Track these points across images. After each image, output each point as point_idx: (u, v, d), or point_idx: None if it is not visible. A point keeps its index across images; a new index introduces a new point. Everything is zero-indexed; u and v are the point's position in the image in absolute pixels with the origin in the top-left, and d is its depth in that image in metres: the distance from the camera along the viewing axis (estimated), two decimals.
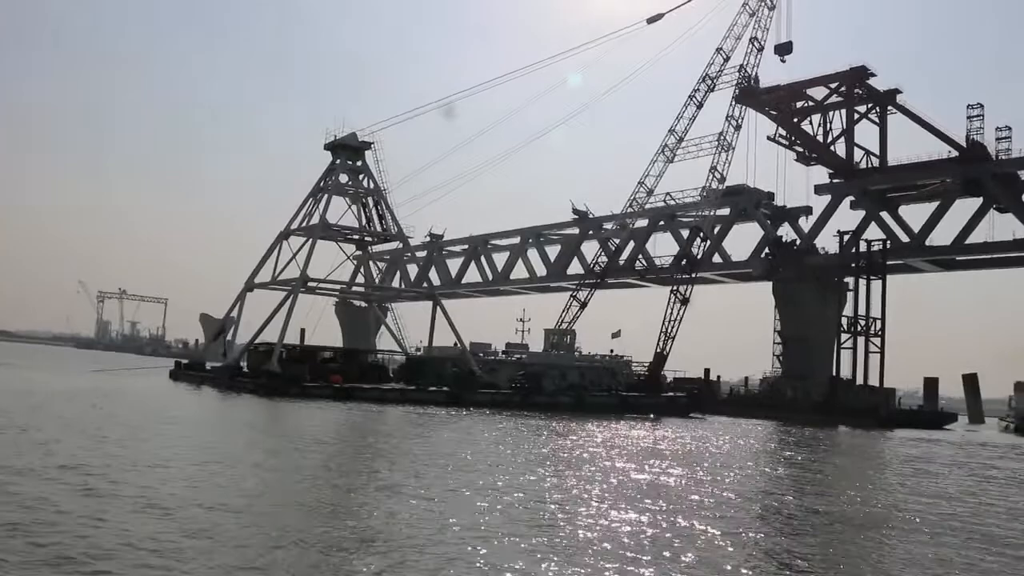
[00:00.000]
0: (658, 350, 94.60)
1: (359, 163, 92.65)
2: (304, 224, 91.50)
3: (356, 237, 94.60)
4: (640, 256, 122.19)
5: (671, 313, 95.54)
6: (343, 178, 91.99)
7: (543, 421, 62.24)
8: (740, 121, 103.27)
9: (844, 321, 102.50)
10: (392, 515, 20.78)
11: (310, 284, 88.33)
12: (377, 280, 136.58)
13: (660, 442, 51.72)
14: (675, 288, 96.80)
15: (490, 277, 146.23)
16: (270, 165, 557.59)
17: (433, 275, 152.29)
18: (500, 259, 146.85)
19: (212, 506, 20.30)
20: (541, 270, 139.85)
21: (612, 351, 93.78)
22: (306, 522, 19.32)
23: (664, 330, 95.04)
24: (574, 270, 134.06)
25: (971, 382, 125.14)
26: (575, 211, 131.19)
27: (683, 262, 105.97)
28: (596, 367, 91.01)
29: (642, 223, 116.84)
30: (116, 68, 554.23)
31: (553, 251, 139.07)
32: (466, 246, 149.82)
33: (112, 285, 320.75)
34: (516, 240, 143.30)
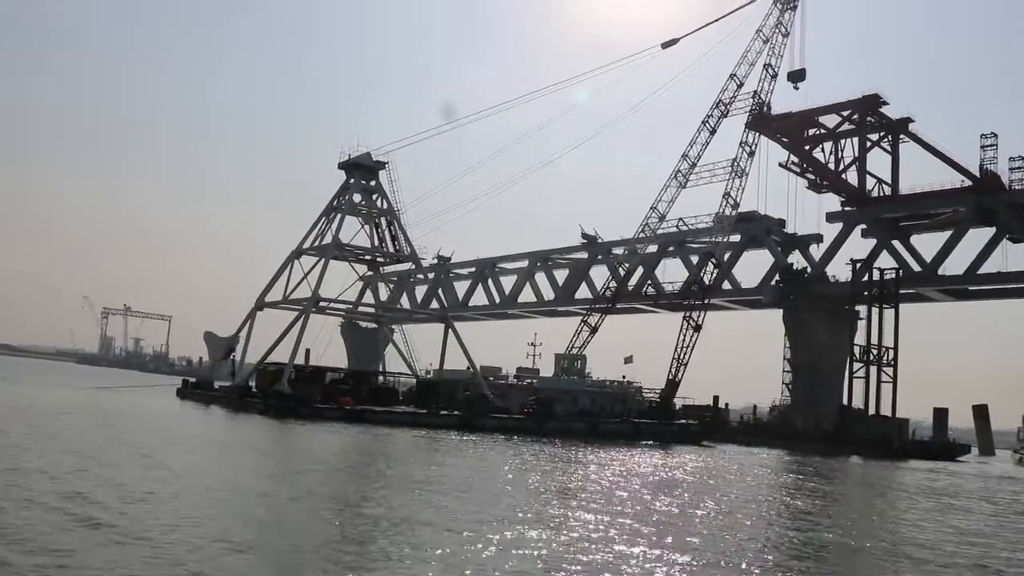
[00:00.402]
0: (670, 377, 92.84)
1: (373, 182, 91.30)
2: (316, 243, 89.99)
3: (368, 257, 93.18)
4: (649, 282, 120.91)
5: (683, 339, 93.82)
6: (356, 197, 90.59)
7: (559, 449, 60.47)
8: (754, 147, 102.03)
9: (857, 350, 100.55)
10: (417, 547, 19.63)
11: (321, 304, 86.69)
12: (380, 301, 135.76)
13: (678, 471, 50.36)
14: (687, 314, 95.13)
15: (497, 300, 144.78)
16: (277, 185, 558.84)
17: (440, 297, 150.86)
18: (507, 283, 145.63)
19: (221, 539, 18.77)
20: (549, 294, 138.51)
21: (624, 377, 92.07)
22: (324, 561, 17.71)
23: (676, 356, 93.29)
24: (582, 294, 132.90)
25: (981, 413, 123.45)
26: (584, 235, 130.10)
27: (694, 287, 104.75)
28: (607, 393, 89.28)
29: (652, 248, 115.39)
30: (123, 85, 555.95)
31: (561, 275, 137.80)
32: (473, 269, 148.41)
33: (116, 301, 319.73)
34: (524, 264, 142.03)
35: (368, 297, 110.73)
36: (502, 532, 22.38)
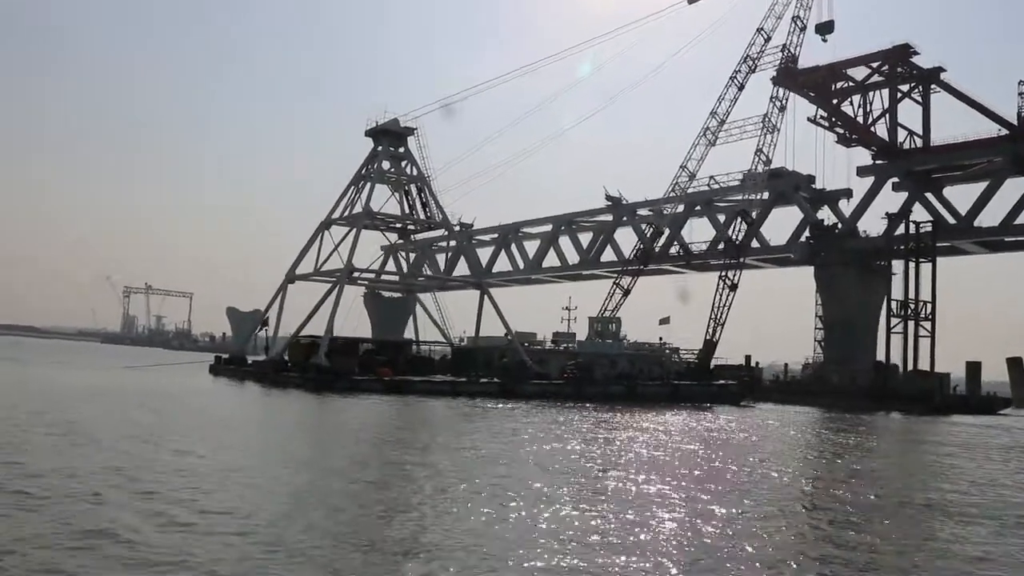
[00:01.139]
0: (707, 337, 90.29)
1: (402, 149, 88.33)
2: (346, 213, 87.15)
3: (399, 225, 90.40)
4: (675, 242, 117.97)
5: (720, 299, 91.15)
6: (385, 165, 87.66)
7: (606, 413, 58.37)
8: (784, 102, 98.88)
9: (895, 305, 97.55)
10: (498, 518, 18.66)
11: (354, 275, 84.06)
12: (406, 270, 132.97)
13: (732, 433, 48.79)
14: (723, 274, 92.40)
15: (521, 266, 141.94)
16: (294, 159, 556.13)
17: (462, 264, 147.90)
18: (531, 248, 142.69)
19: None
20: (573, 258, 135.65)
21: (661, 339, 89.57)
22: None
23: (713, 316, 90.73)
24: (607, 257, 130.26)
25: (1016, 365, 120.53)
26: (608, 197, 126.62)
27: (721, 246, 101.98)
28: (645, 355, 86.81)
29: (680, 208, 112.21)
30: (135, 64, 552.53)
31: (585, 238, 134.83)
32: (496, 235, 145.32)
33: (136, 280, 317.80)
34: (548, 228, 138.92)
35: (391, 266, 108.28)
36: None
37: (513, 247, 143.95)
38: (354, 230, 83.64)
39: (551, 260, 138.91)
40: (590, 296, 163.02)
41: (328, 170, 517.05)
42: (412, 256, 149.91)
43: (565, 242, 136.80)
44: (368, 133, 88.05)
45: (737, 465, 31.59)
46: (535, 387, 74.35)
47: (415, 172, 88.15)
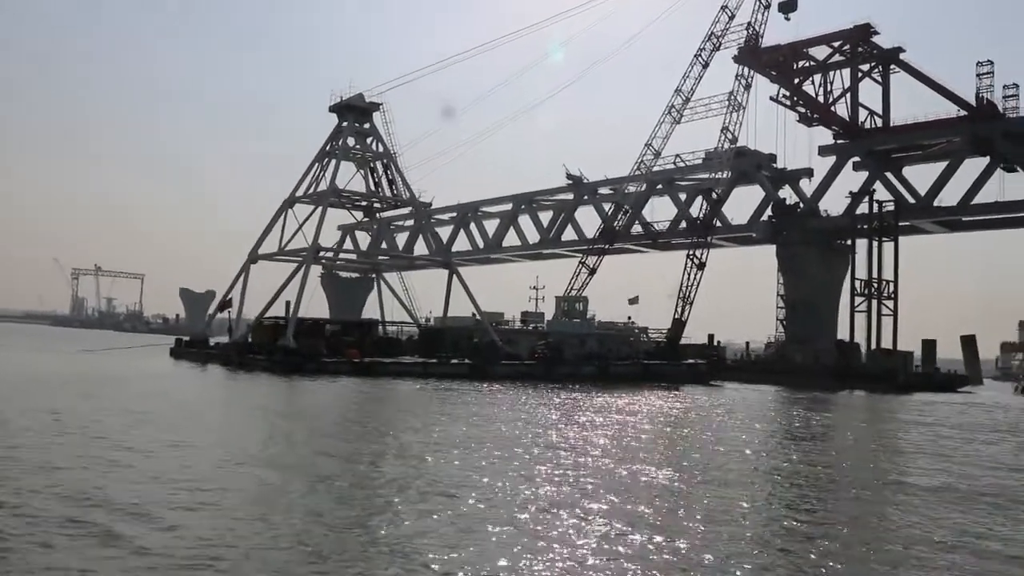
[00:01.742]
0: (676, 316, 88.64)
1: (367, 125, 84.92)
2: (310, 190, 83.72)
3: (365, 203, 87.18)
4: (637, 221, 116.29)
5: (688, 278, 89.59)
6: (350, 141, 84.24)
7: (581, 394, 56.68)
8: (750, 80, 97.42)
9: (858, 284, 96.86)
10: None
11: (321, 254, 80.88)
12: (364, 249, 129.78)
13: (710, 413, 48.66)
14: (691, 252, 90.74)
15: (481, 245, 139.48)
16: (248, 135, 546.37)
17: (421, 244, 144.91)
18: (491, 227, 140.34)
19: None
20: (534, 237, 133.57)
21: (629, 318, 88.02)
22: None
23: (681, 295, 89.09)
24: (568, 236, 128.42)
25: (970, 344, 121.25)
26: (569, 176, 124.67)
27: (683, 225, 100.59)
28: (613, 335, 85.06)
29: (643, 187, 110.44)
30: (84, 39, 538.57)
31: (546, 217, 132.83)
32: (455, 214, 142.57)
33: (85, 262, 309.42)
34: (508, 207, 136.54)
35: (349, 245, 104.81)
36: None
37: (472, 226, 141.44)
38: (319, 208, 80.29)
39: (511, 239, 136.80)
40: (553, 275, 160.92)
41: (285, 146, 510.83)
42: (371, 235, 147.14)
43: (525, 221, 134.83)
44: (332, 108, 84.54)
45: (735, 452, 29.88)
46: (506, 368, 72.31)
47: (381, 149, 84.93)
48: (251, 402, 44.33)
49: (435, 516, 16.88)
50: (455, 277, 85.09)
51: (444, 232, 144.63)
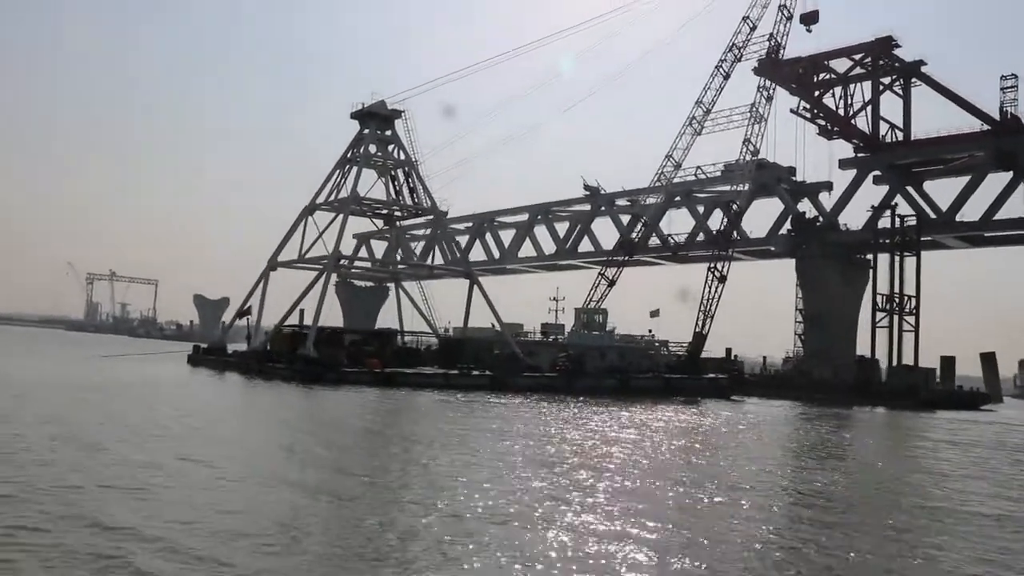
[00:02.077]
0: (697, 329, 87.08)
1: (388, 132, 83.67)
2: (331, 198, 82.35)
3: (385, 212, 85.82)
4: (653, 233, 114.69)
5: (709, 291, 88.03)
6: (371, 148, 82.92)
7: (605, 408, 55.32)
8: (772, 92, 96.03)
9: (880, 299, 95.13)
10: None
11: (342, 262, 79.46)
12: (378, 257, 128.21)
13: (740, 431, 47.20)
14: (712, 265, 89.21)
15: (496, 255, 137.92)
16: (263, 143, 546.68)
17: (437, 253, 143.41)
18: (506, 237, 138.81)
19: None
20: (549, 248, 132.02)
21: (650, 331, 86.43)
22: None
23: (702, 309, 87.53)
24: (584, 248, 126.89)
25: (990, 361, 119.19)
26: (586, 187, 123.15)
27: (700, 237, 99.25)
28: (633, 348, 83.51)
29: (660, 198, 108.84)
30: (104, 51, 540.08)
31: (562, 228, 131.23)
32: (471, 224, 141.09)
33: (99, 267, 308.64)
34: (524, 217, 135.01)
35: (363, 253, 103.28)
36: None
37: (488, 236, 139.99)
38: (340, 216, 78.94)
39: (527, 250, 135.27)
40: (568, 287, 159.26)
41: (300, 155, 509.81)
42: (390, 243, 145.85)
43: (541, 232, 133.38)
44: (354, 115, 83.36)
45: (778, 474, 28.43)
46: (528, 380, 70.87)
47: (402, 157, 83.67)
48: (277, 414, 42.86)
49: (490, 547, 15.44)
50: (476, 287, 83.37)
51: (460, 241, 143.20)
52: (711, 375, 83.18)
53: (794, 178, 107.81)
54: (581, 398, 63.59)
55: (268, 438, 32.75)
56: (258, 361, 72.65)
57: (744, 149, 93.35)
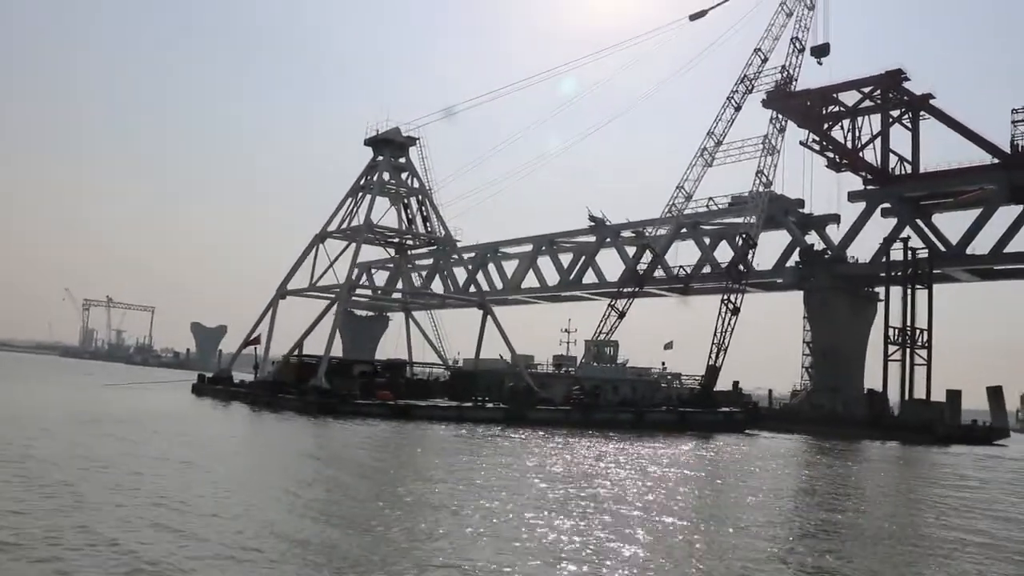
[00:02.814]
0: (711, 362, 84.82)
1: (402, 160, 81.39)
2: (344, 225, 79.85)
3: (396, 240, 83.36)
4: (658, 265, 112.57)
5: (723, 323, 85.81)
6: (385, 176, 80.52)
7: (625, 443, 52.93)
8: (784, 124, 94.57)
9: (892, 332, 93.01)
10: None
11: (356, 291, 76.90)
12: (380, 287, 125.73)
13: (768, 462, 45.76)
14: (725, 297, 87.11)
15: (500, 286, 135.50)
16: (255, 174, 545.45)
17: (438, 282, 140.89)
18: (509, 268, 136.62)
19: None
20: (553, 279, 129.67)
21: (663, 364, 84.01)
22: None
23: (716, 341, 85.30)
24: (588, 279, 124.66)
25: (996, 395, 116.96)
26: (591, 218, 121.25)
27: (704, 268, 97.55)
28: (647, 381, 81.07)
29: (663, 231, 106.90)
30: (106, 73, 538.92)
31: (566, 259, 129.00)
32: (474, 254, 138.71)
33: (95, 293, 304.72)
34: (528, 248, 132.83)
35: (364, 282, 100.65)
36: None
37: (491, 267, 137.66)
38: (352, 244, 76.46)
39: (530, 281, 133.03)
40: (573, 319, 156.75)
41: (302, 182, 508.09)
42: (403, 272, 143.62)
43: (545, 263, 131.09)
44: (368, 142, 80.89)
45: (829, 519, 25.93)
46: (542, 413, 68.26)
47: (416, 184, 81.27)
48: (297, 449, 39.96)
49: None
50: (490, 318, 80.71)
51: (462, 272, 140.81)
52: (726, 409, 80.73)
53: (801, 210, 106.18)
54: (597, 432, 61.05)
55: (287, 475, 30.02)
56: (268, 392, 69.77)
57: (757, 180, 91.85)
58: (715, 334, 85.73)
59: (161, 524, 17.99)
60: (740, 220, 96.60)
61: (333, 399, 63.64)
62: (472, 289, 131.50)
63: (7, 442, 30.40)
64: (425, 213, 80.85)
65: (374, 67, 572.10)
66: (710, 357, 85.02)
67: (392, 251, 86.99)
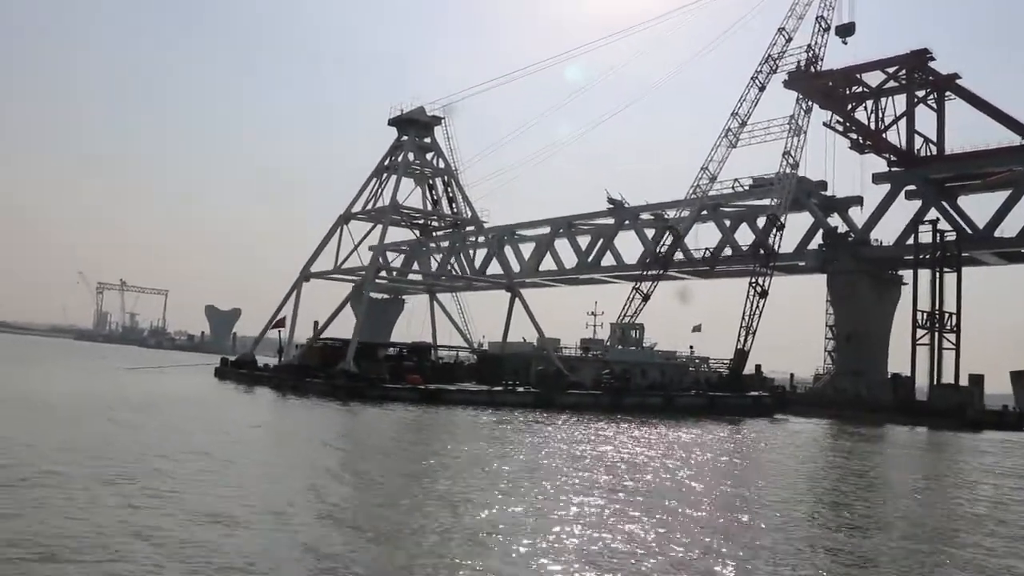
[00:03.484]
0: (739, 346, 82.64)
1: (427, 139, 78.91)
2: (369, 207, 77.41)
3: (422, 221, 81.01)
4: (677, 248, 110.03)
5: (750, 307, 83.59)
6: (410, 156, 78.05)
7: (663, 428, 51.44)
8: (811, 104, 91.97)
9: (920, 316, 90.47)
10: None
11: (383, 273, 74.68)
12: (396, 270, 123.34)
13: (818, 449, 45.29)
14: (754, 281, 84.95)
15: (518, 269, 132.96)
16: (267, 155, 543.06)
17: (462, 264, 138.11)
18: (526, 250, 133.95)
19: None
20: (570, 262, 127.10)
21: (691, 347, 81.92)
22: None
23: (744, 325, 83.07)
24: (607, 262, 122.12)
25: (1020, 379, 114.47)
26: (610, 200, 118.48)
27: (725, 251, 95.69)
28: (675, 364, 78.95)
29: (686, 212, 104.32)
30: (116, 62, 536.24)
31: (584, 242, 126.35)
32: (491, 236, 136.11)
33: (109, 276, 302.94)
34: (545, 231, 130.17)
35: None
36: None
37: (508, 249, 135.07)
38: (380, 225, 74.08)
39: (547, 264, 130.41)
40: (589, 301, 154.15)
41: (312, 164, 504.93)
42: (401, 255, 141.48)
43: (562, 246, 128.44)
44: (392, 122, 78.36)
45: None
46: (572, 397, 66.18)
47: (442, 165, 78.76)
48: (336, 437, 37.80)
49: None
50: (518, 300, 78.38)
51: (479, 255, 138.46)
52: (754, 393, 78.59)
53: (824, 192, 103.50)
54: (630, 417, 59.11)
55: (334, 470, 27.86)
56: (294, 376, 67.55)
57: (784, 162, 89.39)
58: (743, 317, 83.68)
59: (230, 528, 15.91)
60: (763, 202, 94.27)
61: (362, 383, 61.52)
62: (489, 271, 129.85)
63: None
64: (451, 194, 78.53)
65: (384, 60, 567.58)
66: (738, 340, 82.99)
67: (417, 232, 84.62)
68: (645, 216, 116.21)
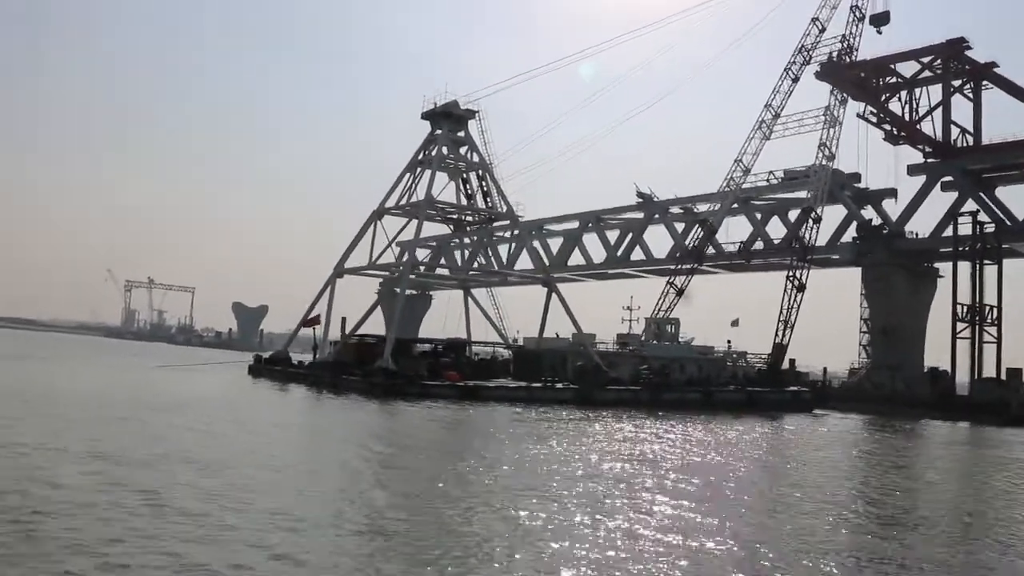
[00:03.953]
0: (777, 340, 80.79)
1: (461, 133, 77.41)
2: (402, 201, 75.96)
3: (456, 216, 79.52)
4: (708, 242, 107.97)
5: (788, 300, 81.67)
6: (444, 150, 76.56)
7: (709, 424, 50.39)
8: (846, 96, 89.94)
9: (960, 309, 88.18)
10: None
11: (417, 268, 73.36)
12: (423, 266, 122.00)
13: (866, 447, 43.57)
14: (791, 274, 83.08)
15: (547, 263, 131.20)
16: (291, 153, 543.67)
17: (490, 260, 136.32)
18: (554, 245, 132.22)
19: None
20: (599, 256, 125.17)
21: (729, 342, 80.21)
22: None
23: (782, 318, 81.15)
24: (636, 256, 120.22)
25: None
26: (639, 194, 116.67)
27: (759, 245, 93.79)
28: (712, 359, 77.21)
29: (717, 206, 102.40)
30: (146, 61, 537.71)
31: (612, 236, 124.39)
32: (517, 231, 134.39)
33: (137, 274, 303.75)
34: (573, 225, 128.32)
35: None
36: None
37: (536, 243, 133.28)
38: (415, 219, 72.63)
39: (576, 258, 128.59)
40: (620, 295, 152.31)
41: (341, 166, 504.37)
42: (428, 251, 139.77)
43: (591, 240, 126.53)
44: (425, 115, 76.97)
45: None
46: (611, 394, 64.63)
47: (476, 159, 77.15)
48: (399, 437, 36.32)
49: None
50: (554, 295, 76.73)
51: (504, 248, 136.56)
52: (794, 388, 76.72)
53: (857, 184, 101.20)
54: (670, 413, 57.55)
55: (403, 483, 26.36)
56: (331, 374, 66.21)
57: (819, 154, 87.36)
58: (781, 311, 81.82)
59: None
60: (796, 195, 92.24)
61: (400, 381, 60.14)
62: (517, 266, 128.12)
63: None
64: (486, 188, 76.96)
65: (407, 58, 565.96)
66: (776, 334, 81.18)
67: (451, 227, 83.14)
68: (675, 210, 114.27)
